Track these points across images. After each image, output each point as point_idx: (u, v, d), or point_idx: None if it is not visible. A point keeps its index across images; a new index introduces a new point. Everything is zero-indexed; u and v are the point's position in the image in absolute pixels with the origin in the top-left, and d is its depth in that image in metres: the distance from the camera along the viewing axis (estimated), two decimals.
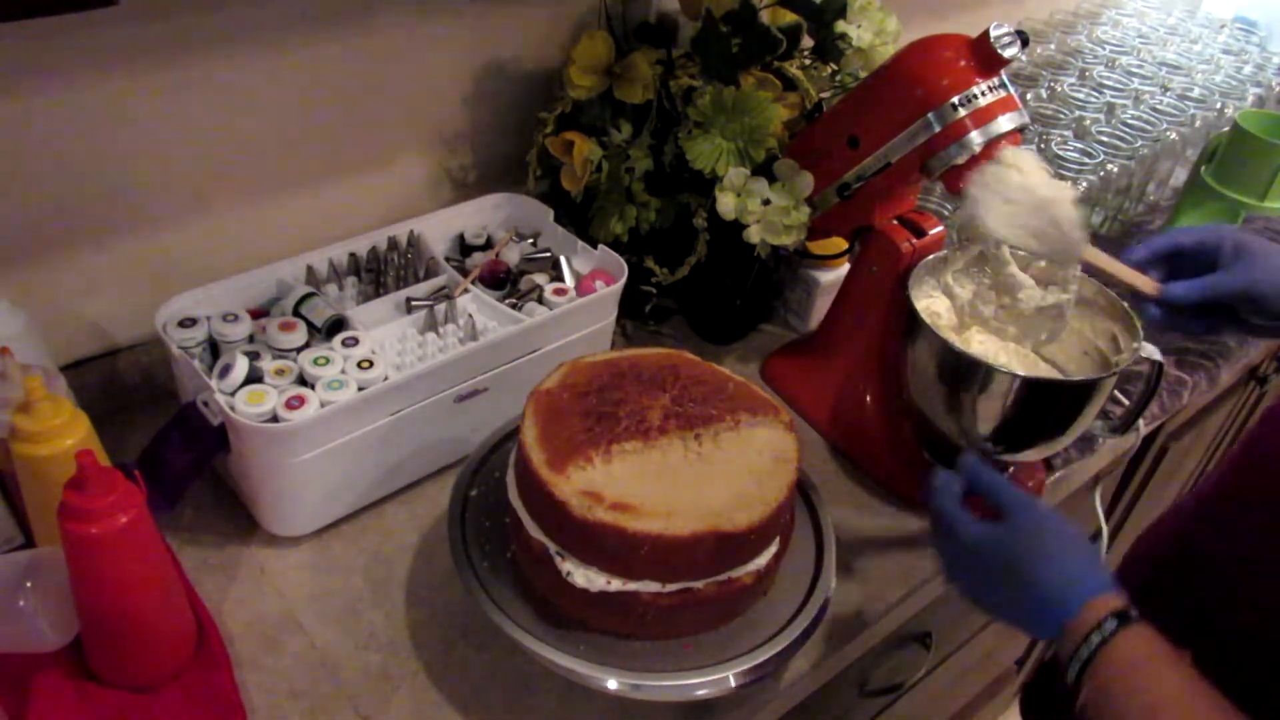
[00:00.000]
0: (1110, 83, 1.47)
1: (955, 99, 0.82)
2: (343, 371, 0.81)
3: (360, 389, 0.80)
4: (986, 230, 0.77)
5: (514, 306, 0.93)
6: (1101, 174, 1.26)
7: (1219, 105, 1.44)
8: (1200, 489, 0.77)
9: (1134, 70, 1.52)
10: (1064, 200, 0.76)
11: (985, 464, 0.69)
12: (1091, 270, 0.81)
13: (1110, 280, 0.81)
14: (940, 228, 0.93)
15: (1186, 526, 0.79)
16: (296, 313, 0.86)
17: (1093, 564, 0.63)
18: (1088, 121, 1.34)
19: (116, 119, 0.83)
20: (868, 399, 0.98)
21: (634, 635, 0.72)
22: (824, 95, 1.01)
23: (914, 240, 0.91)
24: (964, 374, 0.83)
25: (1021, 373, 0.81)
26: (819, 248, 1.08)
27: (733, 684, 0.70)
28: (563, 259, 0.99)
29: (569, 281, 0.97)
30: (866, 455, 0.98)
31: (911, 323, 0.87)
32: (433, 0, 0.96)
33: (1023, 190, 0.77)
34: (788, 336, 1.14)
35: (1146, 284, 0.77)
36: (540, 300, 0.94)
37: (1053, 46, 1.58)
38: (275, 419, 0.77)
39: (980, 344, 0.90)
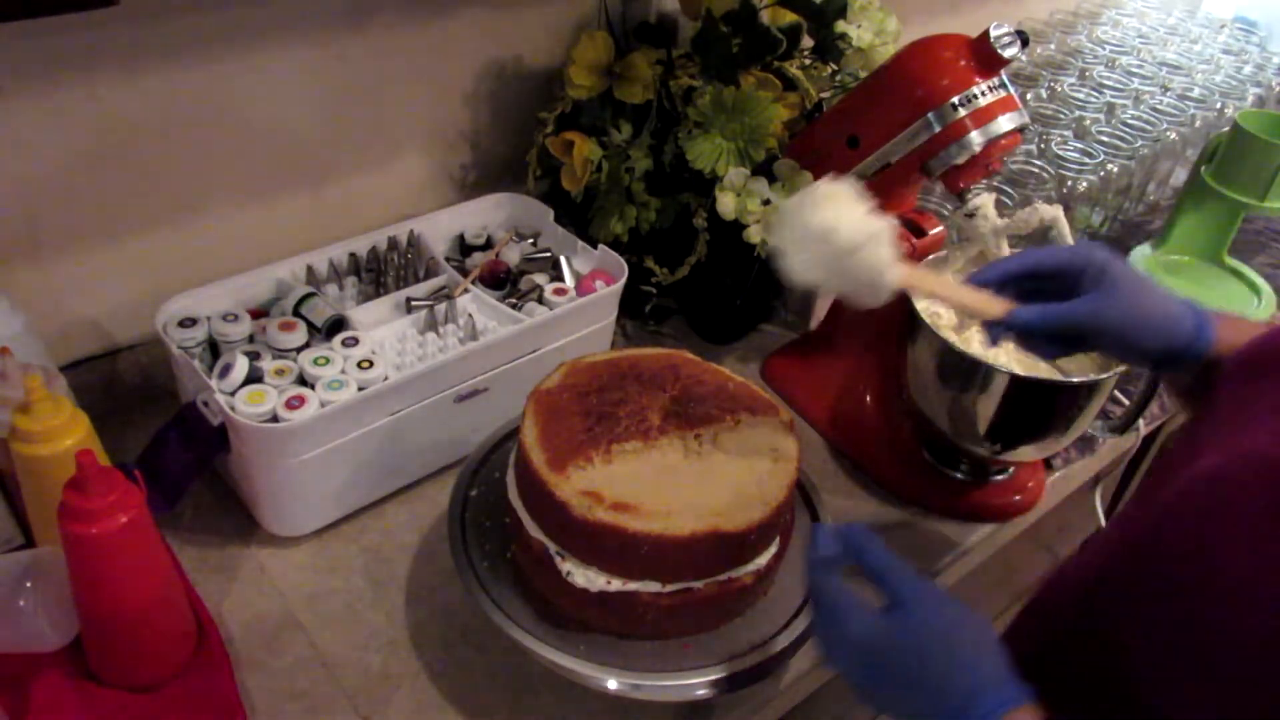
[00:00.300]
0: (1110, 83, 1.47)
1: (955, 99, 0.82)
2: (343, 371, 0.81)
3: (360, 389, 0.80)
4: (790, 271, 0.68)
5: (514, 306, 0.93)
6: (1101, 174, 1.26)
7: (1219, 105, 1.44)
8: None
9: (1134, 70, 1.52)
10: (874, 242, 0.67)
11: (874, 537, 0.60)
12: (931, 298, 0.75)
13: (954, 307, 0.76)
14: (940, 228, 0.93)
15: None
16: (296, 313, 0.86)
17: (999, 666, 0.55)
18: (1088, 121, 1.34)
19: (116, 119, 0.83)
20: (868, 399, 0.98)
21: (634, 635, 0.72)
22: (824, 95, 1.01)
23: (914, 240, 0.91)
24: (964, 374, 0.83)
25: (1021, 373, 0.81)
26: None
27: (733, 684, 0.70)
28: (563, 259, 0.99)
29: (569, 281, 0.97)
30: (866, 455, 0.98)
31: (911, 323, 0.87)
32: (432, 0, 0.96)
33: (828, 231, 0.66)
34: (788, 336, 1.14)
35: (992, 306, 0.69)
36: (540, 300, 0.94)
37: (1053, 46, 1.58)
38: (275, 419, 0.77)
39: (980, 344, 0.90)
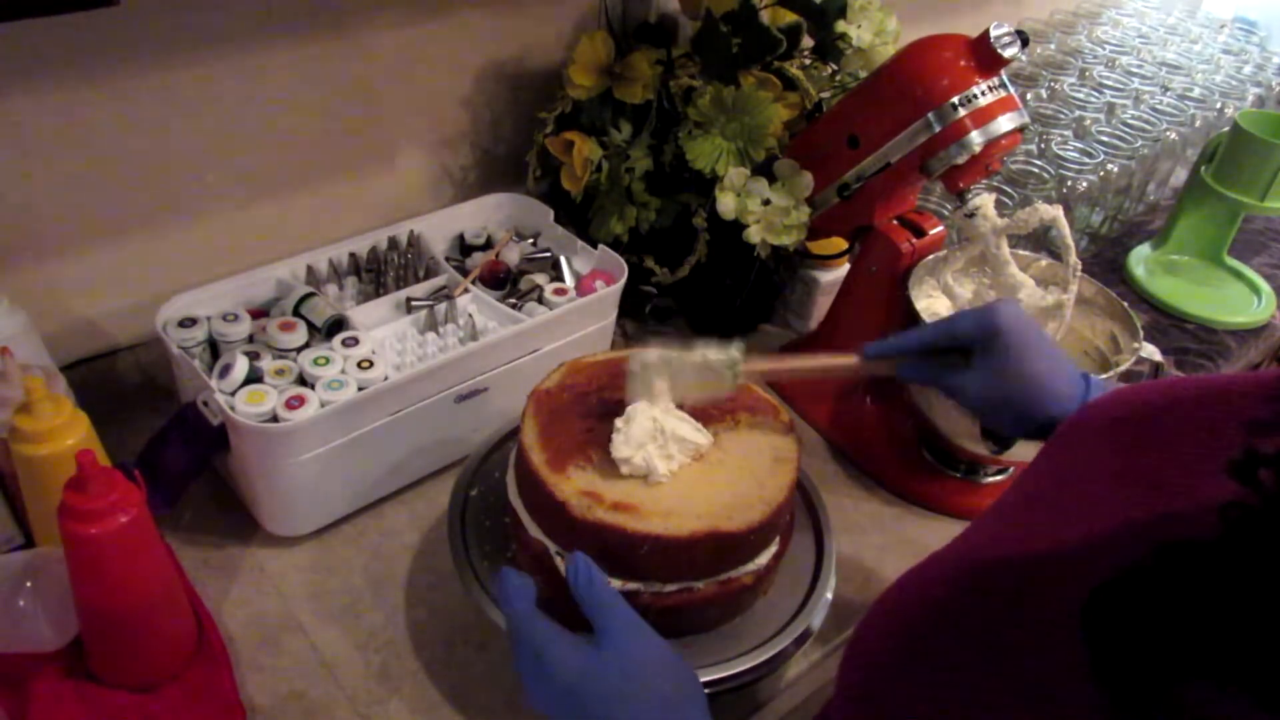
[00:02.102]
0: (1110, 83, 1.47)
1: (955, 99, 0.82)
2: (343, 371, 0.81)
3: (360, 389, 0.80)
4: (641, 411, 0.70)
5: (514, 306, 0.93)
6: (1101, 174, 1.26)
7: (1219, 105, 1.44)
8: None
9: (1134, 70, 1.52)
10: (710, 358, 0.71)
11: (595, 569, 0.58)
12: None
13: (810, 375, 0.78)
14: (940, 228, 0.93)
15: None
16: (296, 313, 0.86)
17: (697, 709, 0.54)
18: (1088, 121, 1.34)
19: (116, 119, 0.83)
20: (868, 399, 0.98)
21: None
22: (824, 95, 1.01)
23: (914, 240, 0.91)
24: None
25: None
26: (819, 248, 1.08)
27: (733, 684, 0.70)
28: (563, 259, 0.99)
29: (569, 281, 0.97)
30: (866, 455, 0.98)
31: (911, 323, 0.87)
32: (433, 0, 0.96)
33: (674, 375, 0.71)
34: (788, 336, 1.14)
35: (843, 358, 0.74)
36: (540, 300, 0.94)
37: (1053, 46, 1.58)
38: (275, 419, 0.77)
39: None
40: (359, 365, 0.82)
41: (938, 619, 0.45)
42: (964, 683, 0.41)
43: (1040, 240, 1.12)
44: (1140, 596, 0.35)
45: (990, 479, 0.96)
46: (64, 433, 0.69)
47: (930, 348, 0.70)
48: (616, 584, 0.69)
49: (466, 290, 0.93)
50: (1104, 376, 0.81)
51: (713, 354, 0.70)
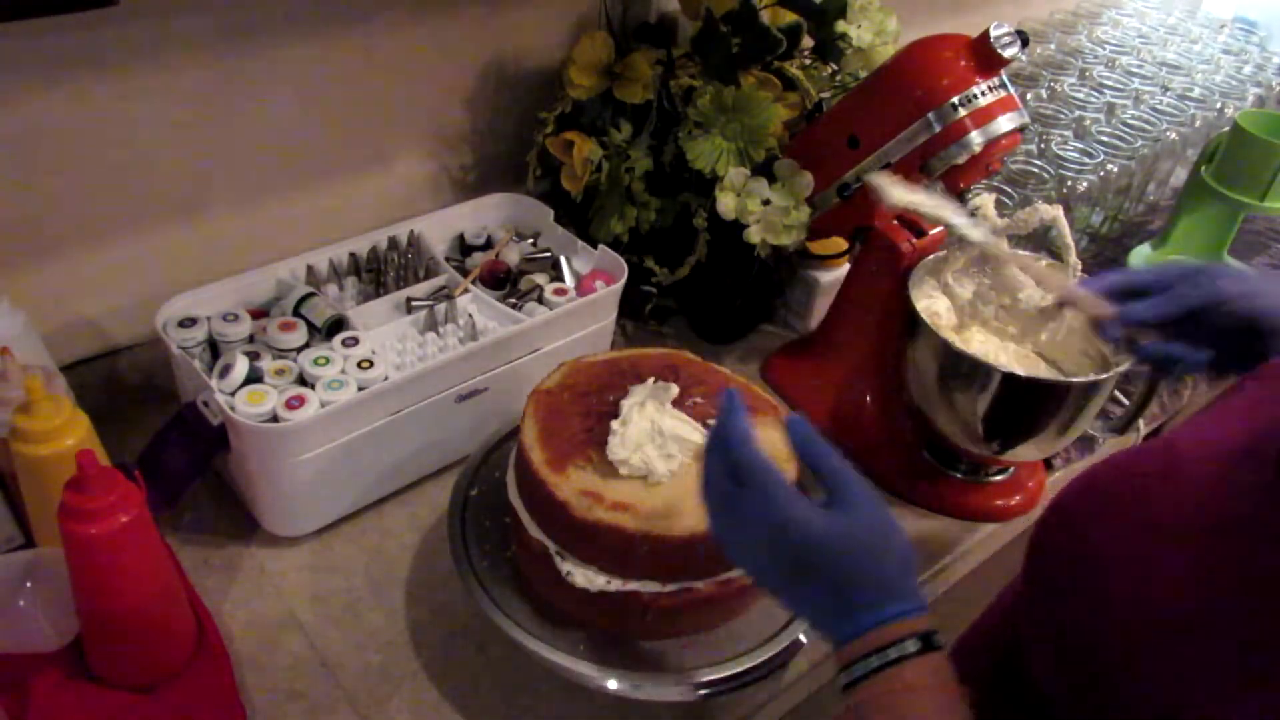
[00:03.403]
0: (1110, 83, 1.47)
1: (955, 99, 0.82)
2: (343, 371, 0.81)
3: (360, 389, 0.80)
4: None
5: (514, 306, 0.93)
6: (1101, 174, 1.26)
7: (1219, 105, 1.44)
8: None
9: (1134, 70, 1.52)
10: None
11: (814, 430, 0.58)
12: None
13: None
14: (940, 228, 0.93)
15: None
16: (296, 313, 0.86)
17: (912, 572, 0.56)
18: (1088, 121, 1.34)
19: (116, 119, 0.83)
20: (868, 399, 0.98)
21: (634, 635, 0.72)
22: (824, 95, 1.01)
23: (914, 240, 0.91)
24: (964, 374, 0.83)
25: (1021, 373, 0.81)
26: (819, 248, 1.08)
27: (732, 684, 0.70)
28: (563, 259, 0.99)
29: (569, 281, 0.97)
30: (866, 455, 0.98)
31: (911, 323, 0.87)
32: (433, 0, 0.96)
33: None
34: (788, 336, 1.14)
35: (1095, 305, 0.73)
36: (540, 300, 0.94)
37: (1053, 46, 1.58)
38: (275, 419, 0.77)
39: (980, 344, 0.90)
40: (359, 365, 0.82)
41: (1145, 483, 0.54)
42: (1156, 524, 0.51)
43: (1040, 240, 1.12)
44: None
45: (991, 479, 0.95)
46: (64, 433, 0.69)
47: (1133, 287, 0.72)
48: (616, 584, 0.69)
49: (466, 290, 0.93)
50: (1104, 376, 0.81)
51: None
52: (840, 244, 1.10)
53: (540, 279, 0.96)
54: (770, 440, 0.74)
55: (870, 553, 0.54)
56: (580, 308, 0.92)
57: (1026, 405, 0.83)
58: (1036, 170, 1.24)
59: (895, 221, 0.92)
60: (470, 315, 0.91)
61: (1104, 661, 0.51)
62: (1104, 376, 0.81)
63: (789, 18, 0.99)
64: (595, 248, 0.99)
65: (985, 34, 0.81)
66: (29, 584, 0.71)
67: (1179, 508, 0.51)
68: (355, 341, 0.84)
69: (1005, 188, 1.20)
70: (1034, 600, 0.59)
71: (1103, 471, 0.58)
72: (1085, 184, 1.24)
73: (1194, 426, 0.57)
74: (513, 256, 0.99)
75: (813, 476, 0.58)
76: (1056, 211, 0.85)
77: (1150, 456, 0.57)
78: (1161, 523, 0.52)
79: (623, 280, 0.94)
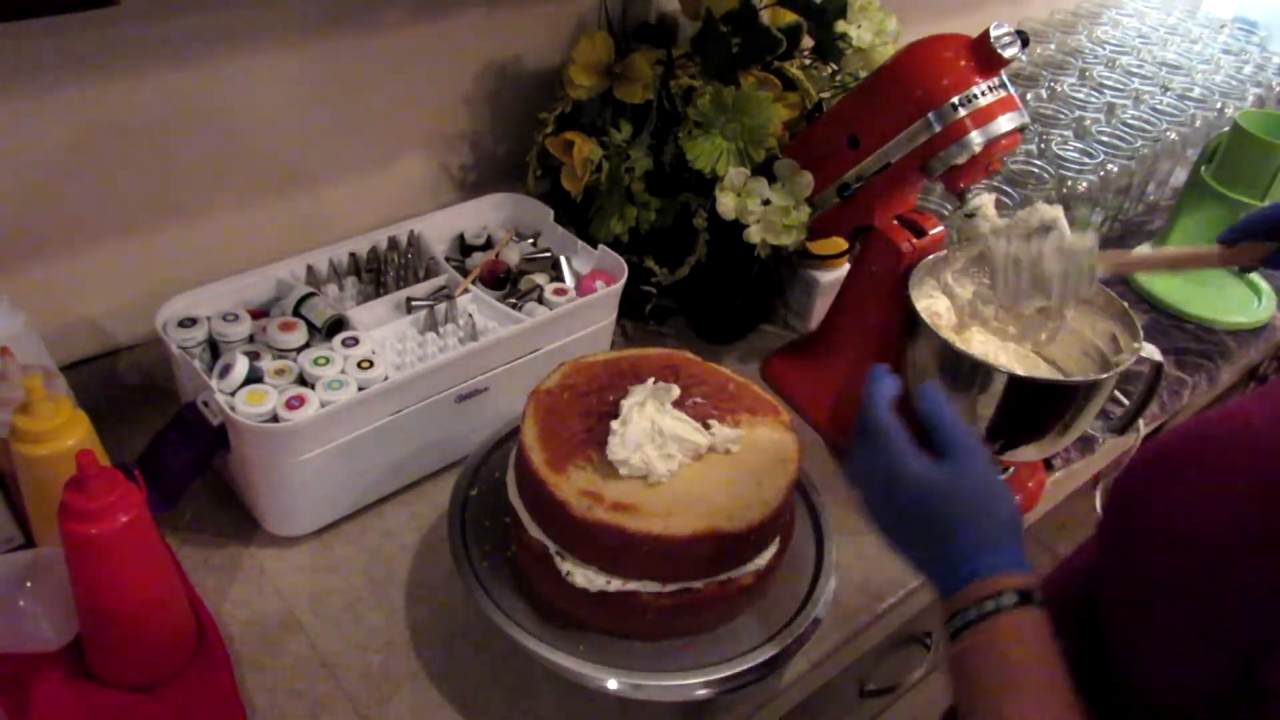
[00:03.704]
0: (1110, 83, 1.47)
1: (955, 99, 0.82)
2: (343, 371, 0.81)
3: (360, 389, 0.80)
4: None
5: (514, 306, 0.93)
6: (1101, 174, 1.26)
7: (1219, 105, 1.44)
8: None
9: (1134, 70, 1.52)
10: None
11: (945, 395, 0.63)
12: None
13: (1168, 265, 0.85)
14: (940, 228, 0.93)
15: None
16: (296, 313, 0.86)
17: (1016, 533, 0.60)
18: (1088, 121, 1.34)
19: (117, 119, 0.83)
20: None
21: (634, 635, 0.72)
22: (824, 95, 1.01)
23: (914, 240, 0.91)
24: (964, 374, 0.83)
25: (1021, 373, 0.81)
26: (819, 248, 1.08)
27: (733, 684, 0.70)
28: (563, 259, 0.99)
29: (569, 281, 0.97)
30: None
31: (911, 323, 0.87)
32: (433, 0, 0.96)
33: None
34: (788, 336, 1.14)
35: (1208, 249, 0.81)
36: (540, 300, 0.94)
37: (1053, 46, 1.58)
38: (275, 419, 0.77)
39: (980, 344, 0.90)
40: (359, 365, 0.82)
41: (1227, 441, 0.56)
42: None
43: (1040, 240, 1.12)
44: None
45: None
46: (64, 433, 0.69)
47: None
48: (616, 584, 0.69)
49: (466, 290, 0.93)
50: (1104, 376, 0.81)
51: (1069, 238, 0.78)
52: (840, 244, 1.10)
53: (540, 279, 0.96)
54: (770, 439, 0.74)
55: (973, 508, 0.59)
56: (580, 308, 0.92)
57: (1026, 405, 0.83)
58: (1036, 170, 1.24)
59: (895, 221, 0.92)
60: (470, 315, 0.91)
61: (1179, 617, 0.54)
62: (1104, 376, 0.81)
63: (789, 18, 0.99)
64: (595, 248, 0.99)
65: (985, 34, 0.81)
66: (29, 584, 0.71)
67: (1253, 470, 0.53)
68: (355, 341, 0.84)
69: (1005, 188, 1.20)
70: (1111, 564, 0.62)
71: (1175, 439, 0.60)
72: (1085, 184, 1.24)
73: (1262, 397, 0.59)
74: (513, 256, 0.99)
75: (931, 435, 0.62)
76: (1056, 211, 0.85)
77: (1223, 424, 0.58)
78: (1235, 485, 0.53)
79: (623, 280, 0.94)
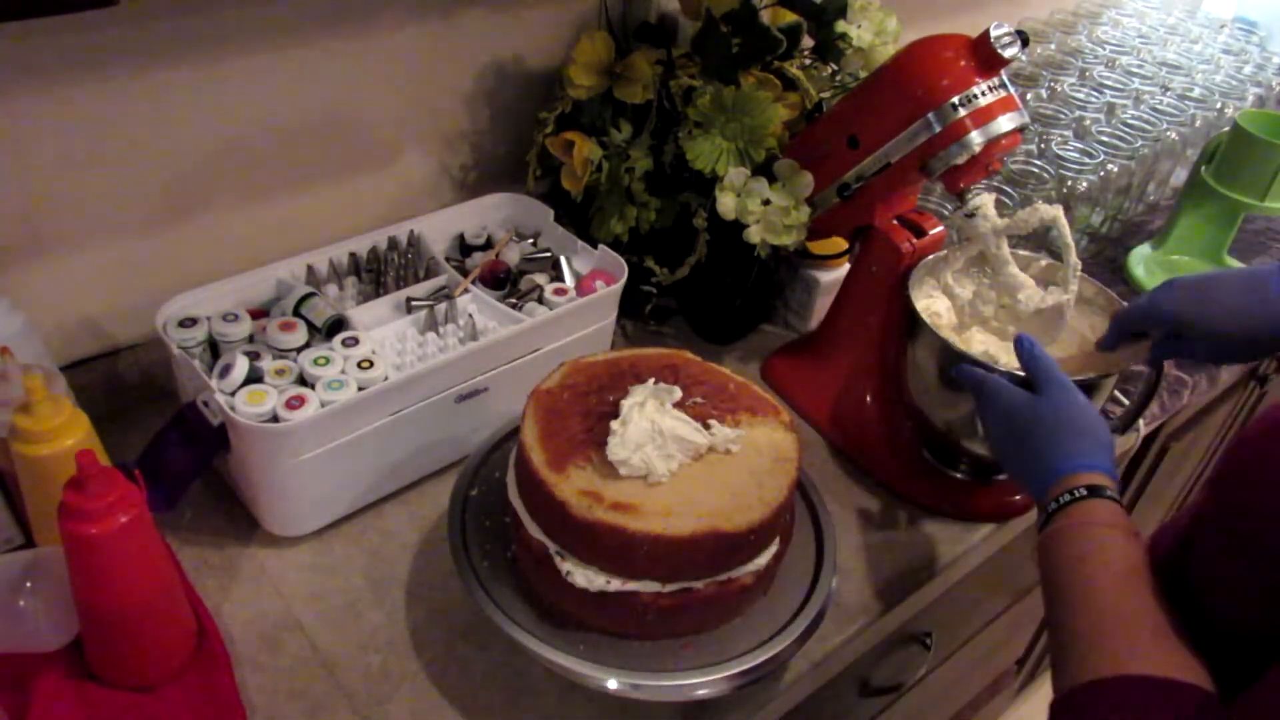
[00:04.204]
0: (1110, 83, 1.47)
1: (955, 99, 0.82)
2: (343, 371, 0.81)
3: (360, 389, 0.80)
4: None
5: (514, 306, 0.93)
6: (1101, 174, 1.26)
7: (1219, 105, 1.44)
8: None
9: (1134, 70, 1.52)
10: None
11: (1039, 346, 0.77)
12: None
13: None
14: (940, 228, 0.93)
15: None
16: (296, 313, 0.86)
17: (1103, 448, 0.71)
18: (1088, 121, 1.34)
19: (117, 119, 0.83)
20: (868, 399, 0.98)
21: (634, 635, 0.72)
22: (824, 95, 1.01)
23: (914, 240, 0.91)
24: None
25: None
26: (819, 248, 1.08)
27: (733, 684, 0.70)
28: (563, 259, 0.99)
29: (569, 281, 0.97)
30: (866, 455, 0.98)
31: (911, 323, 0.87)
32: (433, 0, 0.96)
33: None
34: (788, 336, 1.14)
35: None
36: (540, 300, 0.94)
37: (1053, 46, 1.58)
38: (275, 419, 0.77)
39: (980, 344, 0.90)
40: (359, 365, 0.82)
41: None
42: None
43: (1040, 240, 1.12)
44: None
45: (990, 479, 0.95)
46: (64, 433, 0.69)
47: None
48: (616, 584, 0.69)
49: (466, 290, 0.93)
50: (1104, 376, 0.81)
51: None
52: (840, 244, 1.10)
53: (540, 279, 0.96)
54: (770, 439, 0.74)
55: (1062, 428, 0.72)
56: (580, 308, 0.92)
57: None
58: (1036, 170, 1.24)
59: (895, 221, 0.92)
60: (470, 315, 0.91)
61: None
62: (1104, 376, 0.81)
63: (789, 18, 0.99)
64: (595, 248, 0.99)
65: (985, 34, 0.81)
66: (29, 584, 0.71)
67: None
68: (355, 341, 0.84)
69: (1005, 188, 1.20)
70: (1220, 527, 0.65)
71: None
72: (1085, 184, 1.24)
73: None
74: (513, 256, 0.99)
75: (1031, 375, 0.77)
76: (1056, 211, 0.85)
77: None
78: None
79: (623, 280, 0.94)
